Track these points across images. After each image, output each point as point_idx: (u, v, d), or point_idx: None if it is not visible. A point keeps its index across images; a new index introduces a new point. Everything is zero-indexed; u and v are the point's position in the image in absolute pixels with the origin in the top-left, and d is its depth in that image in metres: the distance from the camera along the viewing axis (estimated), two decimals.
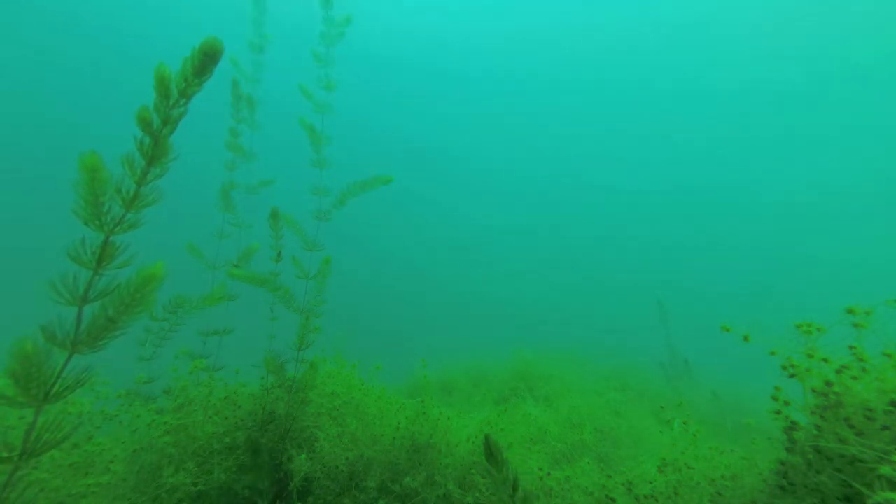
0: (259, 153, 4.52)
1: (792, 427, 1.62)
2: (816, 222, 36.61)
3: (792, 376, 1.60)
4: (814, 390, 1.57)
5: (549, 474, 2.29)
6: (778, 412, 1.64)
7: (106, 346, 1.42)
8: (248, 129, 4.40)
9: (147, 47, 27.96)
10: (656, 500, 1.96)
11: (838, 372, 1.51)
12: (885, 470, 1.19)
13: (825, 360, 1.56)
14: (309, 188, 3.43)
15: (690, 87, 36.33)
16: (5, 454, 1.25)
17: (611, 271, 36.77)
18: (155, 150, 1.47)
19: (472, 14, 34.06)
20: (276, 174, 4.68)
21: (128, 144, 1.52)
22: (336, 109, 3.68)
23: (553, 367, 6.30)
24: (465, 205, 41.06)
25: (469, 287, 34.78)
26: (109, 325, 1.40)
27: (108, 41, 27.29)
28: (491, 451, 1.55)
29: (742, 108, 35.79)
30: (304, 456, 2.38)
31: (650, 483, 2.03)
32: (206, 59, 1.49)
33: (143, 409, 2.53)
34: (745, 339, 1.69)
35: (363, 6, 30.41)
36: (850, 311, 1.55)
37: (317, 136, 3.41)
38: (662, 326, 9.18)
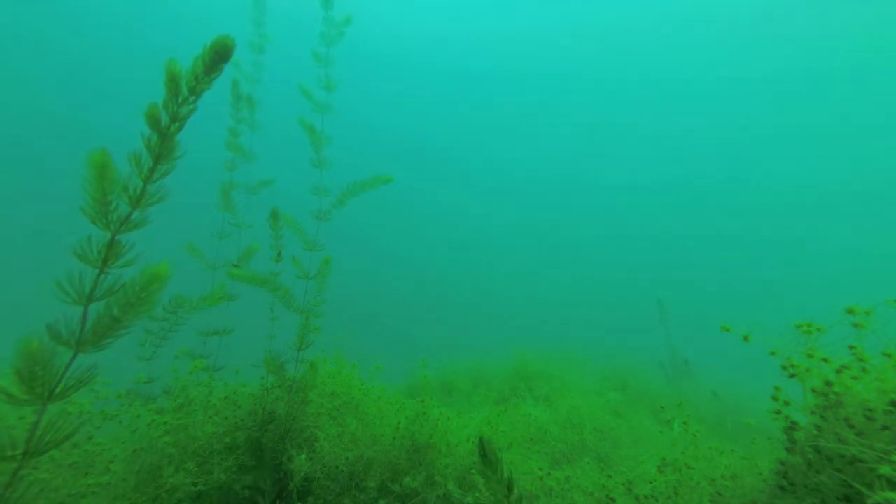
0: (259, 153, 4.52)
1: (792, 427, 1.62)
2: (820, 218, 36.58)
3: (792, 376, 1.61)
4: (814, 390, 1.57)
5: (549, 474, 2.29)
6: (778, 412, 1.64)
7: (110, 345, 1.42)
8: (248, 129, 4.40)
9: (146, 46, 27.97)
10: (656, 500, 1.96)
11: (838, 372, 1.51)
12: (885, 470, 1.19)
13: (825, 360, 1.56)
14: (310, 188, 3.44)
15: (689, 84, 36.32)
16: (9, 453, 1.25)
17: (611, 270, 36.80)
18: (163, 147, 1.47)
19: (474, 12, 34.08)
20: (277, 174, 4.69)
21: (121, 142, 1.51)
22: (338, 109, 3.68)
23: (553, 367, 6.30)
24: (465, 203, 41.08)
25: (470, 286, 34.82)
26: (114, 324, 1.39)
27: (106, 39, 27.26)
28: (485, 453, 1.55)
29: (742, 104, 35.76)
30: (304, 456, 2.38)
31: (650, 483, 2.03)
32: (218, 57, 1.48)
33: (143, 409, 2.52)
34: (745, 339, 1.69)
35: (365, 5, 30.44)
36: (850, 311, 1.55)
37: (317, 136, 3.41)
38: (662, 326, 9.19)
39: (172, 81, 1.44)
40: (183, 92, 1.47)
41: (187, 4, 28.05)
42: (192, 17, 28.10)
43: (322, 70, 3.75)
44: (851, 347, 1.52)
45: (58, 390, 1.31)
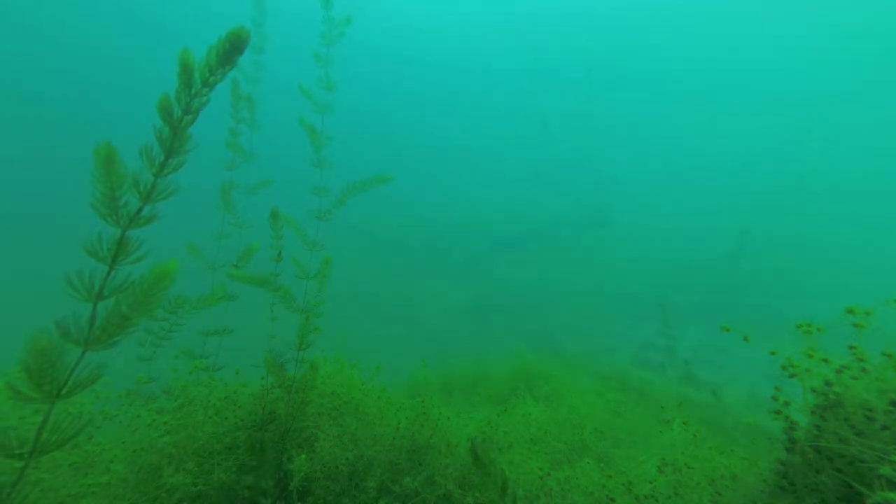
0: (260, 152, 4.52)
1: (792, 427, 1.62)
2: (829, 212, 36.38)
3: (792, 376, 1.61)
4: (814, 390, 1.57)
5: (549, 474, 2.29)
6: (778, 412, 1.64)
7: (118, 343, 1.41)
8: (248, 129, 4.40)
9: (145, 45, 27.92)
10: (656, 500, 1.96)
11: (838, 372, 1.51)
12: (885, 470, 1.19)
13: (825, 360, 1.56)
14: (316, 185, 3.44)
15: (694, 77, 36.00)
16: (16, 451, 1.24)
17: (613, 267, 36.63)
18: (174, 140, 1.44)
19: (481, 7, 33.86)
20: (279, 173, 4.69)
21: (120, 141, 1.50)
22: (354, 106, 3.65)
23: (553, 367, 6.31)
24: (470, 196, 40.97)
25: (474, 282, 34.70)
26: (124, 322, 1.38)
27: (104, 37, 27.17)
28: (477, 455, 1.55)
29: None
30: (304, 456, 2.38)
31: (650, 483, 2.03)
32: (232, 48, 1.44)
33: (143, 409, 2.52)
34: (745, 339, 1.69)
35: (376, 4, 30.33)
36: (850, 311, 1.55)
37: (317, 136, 3.41)
38: (663, 325, 9.20)
39: (185, 72, 1.41)
40: (196, 83, 1.44)
41: (186, 4, 28.04)
42: (190, 16, 28.08)
43: (322, 70, 3.75)
44: (851, 347, 1.52)
45: (66, 388, 1.30)
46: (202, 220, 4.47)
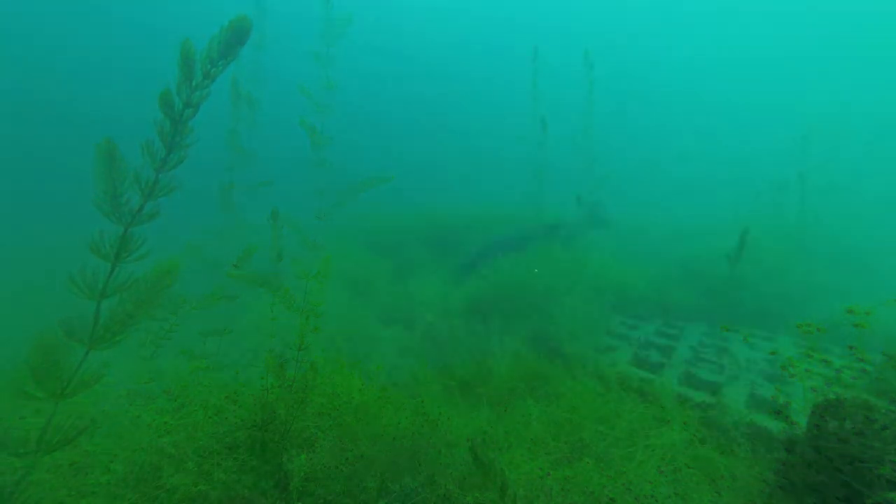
0: (260, 152, 4.52)
1: (792, 427, 1.62)
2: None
3: (792, 376, 1.61)
4: (814, 390, 1.57)
5: (549, 474, 2.29)
6: (778, 412, 1.65)
7: (121, 341, 1.40)
8: (249, 128, 4.41)
9: (144, 46, 27.88)
10: (656, 500, 1.96)
11: (838, 372, 1.51)
12: (885, 470, 1.19)
13: (825, 361, 1.56)
14: (319, 185, 3.44)
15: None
16: (21, 451, 1.24)
17: (613, 267, 36.56)
18: (175, 134, 1.44)
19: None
20: (279, 173, 4.69)
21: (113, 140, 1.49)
22: (355, 105, 3.66)
23: (553, 367, 6.30)
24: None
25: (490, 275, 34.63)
26: (128, 320, 1.38)
27: (103, 37, 27.11)
28: (477, 455, 1.55)
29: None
30: (304, 456, 2.38)
31: (650, 483, 2.03)
32: (235, 39, 1.44)
33: (143, 409, 2.52)
34: (745, 339, 1.69)
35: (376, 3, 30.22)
36: (850, 311, 1.55)
37: (317, 136, 3.41)
38: (663, 325, 9.18)
39: (187, 64, 1.40)
40: (197, 75, 1.43)
41: (185, 3, 28.02)
42: (190, 15, 28.04)
43: (322, 70, 3.75)
44: (851, 347, 1.53)
45: (70, 387, 1.30)
46: (202, 220, 4.47)
